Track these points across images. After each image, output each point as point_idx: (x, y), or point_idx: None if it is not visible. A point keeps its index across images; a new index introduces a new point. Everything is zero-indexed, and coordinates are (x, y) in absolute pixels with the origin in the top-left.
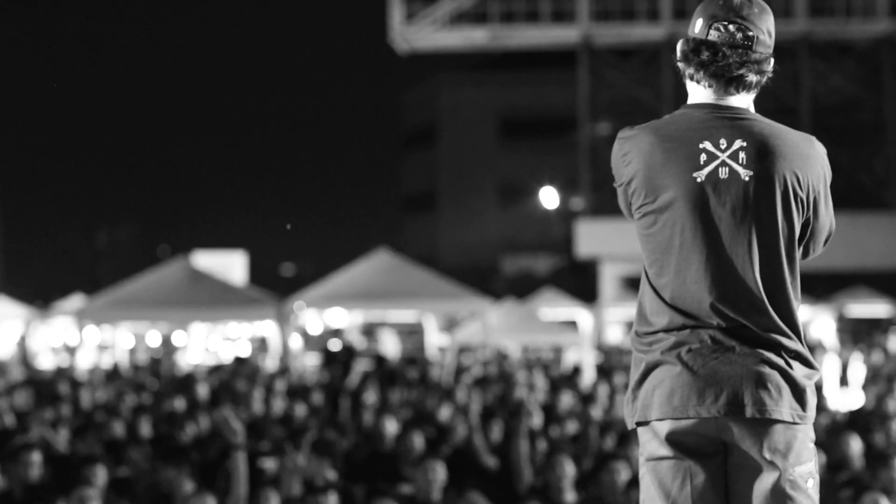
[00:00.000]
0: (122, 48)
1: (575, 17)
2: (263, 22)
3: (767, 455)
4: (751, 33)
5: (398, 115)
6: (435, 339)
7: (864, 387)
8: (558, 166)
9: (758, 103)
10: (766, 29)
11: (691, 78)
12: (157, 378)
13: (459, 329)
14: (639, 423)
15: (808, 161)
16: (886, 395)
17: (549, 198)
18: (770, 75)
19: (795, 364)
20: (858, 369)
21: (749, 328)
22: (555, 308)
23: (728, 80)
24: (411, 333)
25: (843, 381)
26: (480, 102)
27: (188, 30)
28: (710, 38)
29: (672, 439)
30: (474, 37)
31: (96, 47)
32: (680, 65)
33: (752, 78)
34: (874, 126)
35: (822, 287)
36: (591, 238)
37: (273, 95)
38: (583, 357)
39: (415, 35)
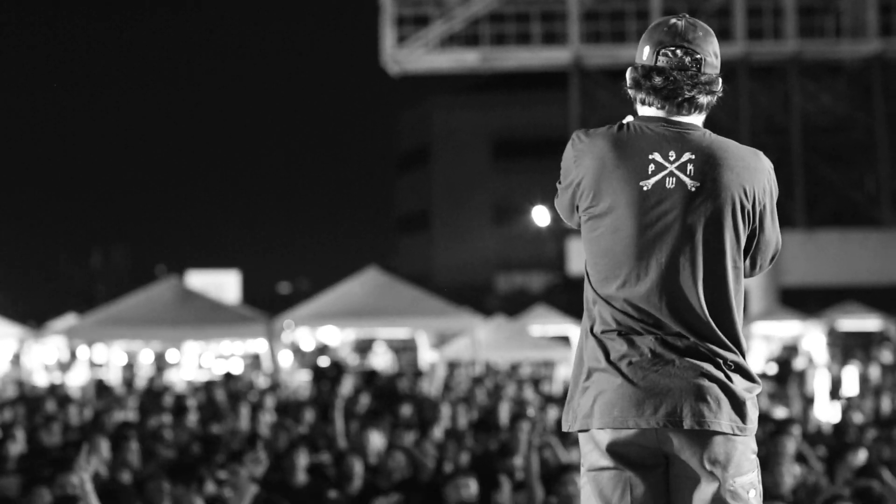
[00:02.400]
0: (114, 71)
1: (566, 38)
2: (257, 43)
3: (707, 466)
4: (698, 56)
5: (392, 137)
6: (427, 356)
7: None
8: (550, 185)
9: (750, 124)
10: (711, 51)
11: (643, 102)
12: (147, 395)
13: (449, 345)
14: (580, 432)
15: (755, 174)
16: (850, 409)
17: (541, 216)
18: (719, 95)
19: (735, 377)
20: (852, 382)
21: (689, 339)
22: (546, 325)
23: (679, 103)
24: (404, 350)
25: (834, 395)
26: (473, 123)
27: (184, 50)
28: (658, 63)
29: (613, 450)
30: (466, 59)
31: (89, 69)
32: (630, 91)
33: (703, 99)
34: (865, 145)
35: (813, 302)
36: (583, 255)
37: (268, 116)
38: None
39: (406, 57)
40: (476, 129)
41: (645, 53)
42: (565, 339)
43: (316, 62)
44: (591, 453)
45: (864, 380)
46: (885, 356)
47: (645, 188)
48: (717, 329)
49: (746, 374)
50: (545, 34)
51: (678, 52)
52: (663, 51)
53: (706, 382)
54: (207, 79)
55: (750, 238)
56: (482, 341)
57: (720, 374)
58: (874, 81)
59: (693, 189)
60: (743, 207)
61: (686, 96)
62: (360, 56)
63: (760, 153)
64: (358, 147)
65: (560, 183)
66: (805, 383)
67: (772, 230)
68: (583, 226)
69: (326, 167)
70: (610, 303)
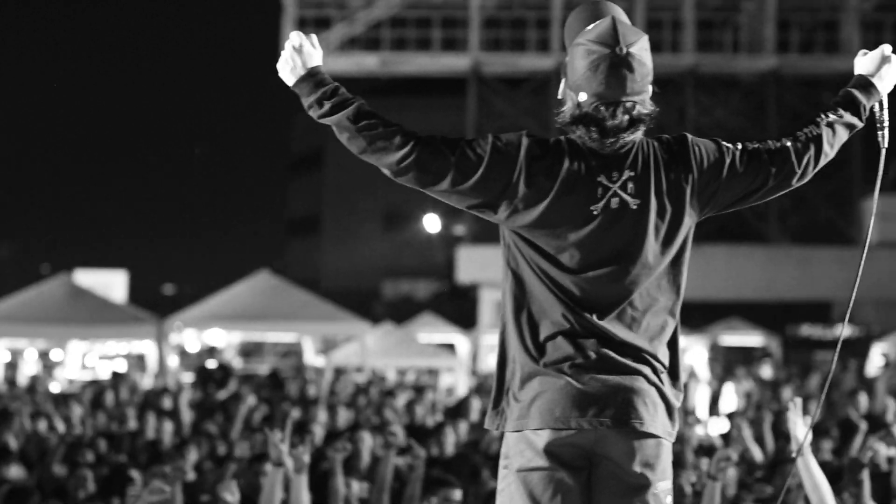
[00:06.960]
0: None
1: (466, 45)
2: (150, 41)
3: (638, 468)
4: (637, 110)
5: (286, 139)
6: (312, 361)
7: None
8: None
9: (643, 136)
10: (649, 88)
11: (578, 137)
12: (31, 395)
13: (336, 351)
14: (512, 432)
15: (682, 158)
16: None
17: (432, 223)
18: (654, 114)
19: (667, 383)
20: (730, 398)
21: (631, 346)
22: (432, 333)
23: (614, 141)
24: (288, 354)
25: (713, 411)
26: None
27: (77, 48)
28: (599, 115)
29: (549, 450)
30: (366, 62)
31: None
32: (566, 123)
33: (639, 135)
34: None
35: (698, 317)
36: (471, 264)
37: (160, 115)
38: (457, 381)
39: None
40: None
41: (582, 95)
42: (451, 347)
43: (212, 61)
44: (523, 453)
45: (746, 395)
46: (765, 371)
47: (595, 212)
48: (658, 337)
49: (675, 382)
50: (445, 40)
51: (618, 110)
52: (601, 105)
53: (646, 386)
54: (96, 74)
55: (757, 182)
56: (370, 348)
57: (656, 379)
58: (768, 96)
59: (634, 207)
60: (691, 196)
61: (622, 141)
62: (258, 57)
63: (673, 136)
64: (250, 149)
65: (486, 145)
66: (686, 398)
67: (756, 155)
68: (518, 234)
69: (217, 168)
70: (554, 311)
